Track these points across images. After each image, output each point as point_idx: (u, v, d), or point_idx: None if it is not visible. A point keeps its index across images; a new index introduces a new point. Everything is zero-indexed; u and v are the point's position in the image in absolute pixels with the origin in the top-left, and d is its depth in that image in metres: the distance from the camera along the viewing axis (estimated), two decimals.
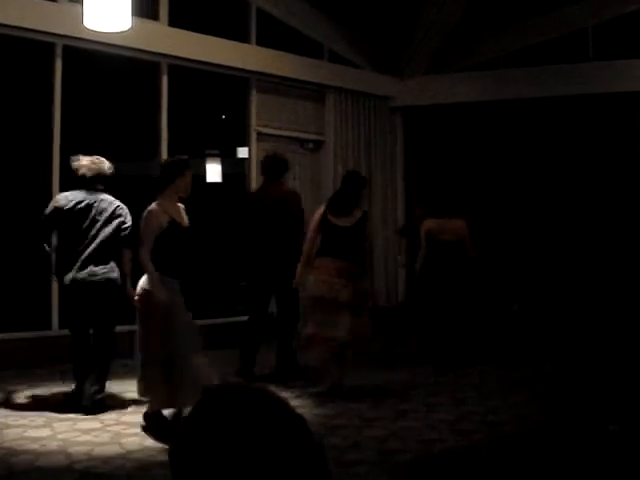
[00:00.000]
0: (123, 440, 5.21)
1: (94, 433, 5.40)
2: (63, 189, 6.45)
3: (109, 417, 5.88)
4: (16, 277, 8.58)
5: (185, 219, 5.72)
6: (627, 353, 7.82)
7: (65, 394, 6.32)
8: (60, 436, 5.30)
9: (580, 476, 4.37)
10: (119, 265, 6.10)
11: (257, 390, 1.33)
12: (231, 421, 1.24)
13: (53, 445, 5.07)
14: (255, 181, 9.52)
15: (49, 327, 8.30)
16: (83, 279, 5.98)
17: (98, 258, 6.01)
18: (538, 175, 10.66)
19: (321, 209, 6.96)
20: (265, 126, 10.19)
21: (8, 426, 5.54)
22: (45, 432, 5.41)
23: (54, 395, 6.53)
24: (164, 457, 4.43)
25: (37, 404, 6.26)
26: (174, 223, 5.54)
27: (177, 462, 1.27)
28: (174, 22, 9.19)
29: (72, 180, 6.25)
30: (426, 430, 5.50)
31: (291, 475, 1.22)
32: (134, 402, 6.37)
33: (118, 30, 7.70)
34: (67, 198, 6.10)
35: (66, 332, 6.47)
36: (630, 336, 8.27)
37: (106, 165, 6.20)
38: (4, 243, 8.64)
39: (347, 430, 5.48)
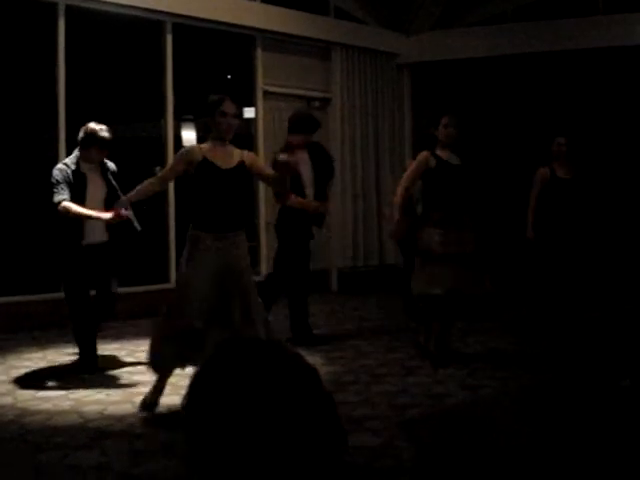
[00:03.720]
0: (135, 399, 5.24)
1: (106, 392, 5.44)
2: (69, 149, 6.40)
3: (121, 377, 5.92)
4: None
5: None
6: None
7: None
8: (72, 395, 5.34)
9: (590, 430, 4.39)
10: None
11: (269, 342, 1.32)
12: (243, 374, 1.23)
13: (66, 405, 5.11)
14: (262, 140, 9.47)
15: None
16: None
17: None
18: (548, 131, 10.55)
19: None
20: (271, 84, 10.12)
21: (21, 387, 5.59)
22: (57, 392, 5.46)
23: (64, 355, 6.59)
24: (177, 414, 4.47)
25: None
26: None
27: (190, 416, 1.27)
28: None
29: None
30: (435, 385, 5.53)
31: (304, 426, 1.22)
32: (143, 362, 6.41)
33: None
34: None
35: None
36: None
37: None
38: None
39: (357, 386, 5.52)
